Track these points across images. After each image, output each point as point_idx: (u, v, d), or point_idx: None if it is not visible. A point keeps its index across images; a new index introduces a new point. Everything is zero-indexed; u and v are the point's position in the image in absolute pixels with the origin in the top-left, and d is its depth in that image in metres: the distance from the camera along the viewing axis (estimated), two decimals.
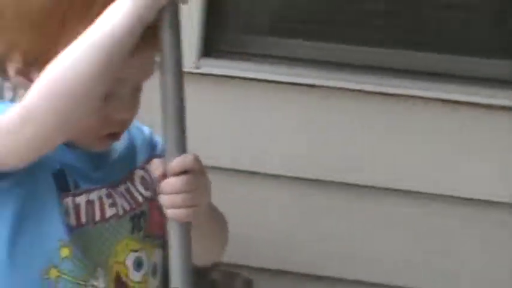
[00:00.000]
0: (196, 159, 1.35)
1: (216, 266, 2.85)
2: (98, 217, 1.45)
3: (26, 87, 1.34)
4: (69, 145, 1.40)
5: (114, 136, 1.46)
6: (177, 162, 1.31)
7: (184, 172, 1.33)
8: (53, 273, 1.43)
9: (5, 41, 1.38)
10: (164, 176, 1.33)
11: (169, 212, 1.33)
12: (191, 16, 3.04)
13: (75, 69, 1.24)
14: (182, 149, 1.33)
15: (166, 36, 1.31)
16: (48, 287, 1.41)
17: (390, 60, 3.19)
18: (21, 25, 1.37)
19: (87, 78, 1.24)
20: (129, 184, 1.50)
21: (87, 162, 1.48)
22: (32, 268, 1.42)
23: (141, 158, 1.54)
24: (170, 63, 1.32)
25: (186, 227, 1.37)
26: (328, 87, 3.09)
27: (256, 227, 3.20)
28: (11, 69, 1.37)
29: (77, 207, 1.43)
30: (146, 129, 1.59)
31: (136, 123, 1.51)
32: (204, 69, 3.19)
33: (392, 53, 3.27)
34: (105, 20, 1.26)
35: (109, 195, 1.47)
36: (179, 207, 1.34)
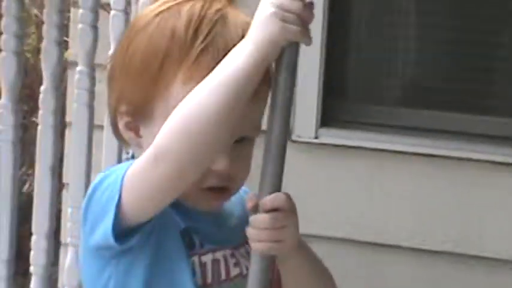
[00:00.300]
0: (288, 198, 1.35)
1: None
2: (223, 276, 1.45)
3: (137, 144, 1.39)
4: (181, 205, 1.40)
5: (219, 193, 1.44)
6: (269, 199, 1.31)
7: (274, 209, 1.32)
8: None
9: (114, 96, 1.42)
10: (255, 209, 1.33)
11: (254, 245, 1.33)
12: (310, 86, 3.05)
13: (202, 108, 1.25)
14: (277, 186, 1.32)
15: (281, 77, 1.29)
16: None
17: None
18: (125, 77, 1.41)
19: (213, 117, 1.25)
20: (247, 247, 1.45)
21: (209, 223, 1.47)
22: None
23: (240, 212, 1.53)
24: (281, 103, 1.30)
25: (268, 261, 1.36)
26: (447, 157, 3.05)
27: None
28: (121, 124, 1.39)
29: (203, 265, 1.43)
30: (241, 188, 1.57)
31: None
32: (322, 139, 3.14)
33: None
34: (230, 61, 1.27)
35: (232, 255, 1.46)
36: (264, 241, 1.33)
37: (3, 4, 1.92)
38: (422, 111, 3.28)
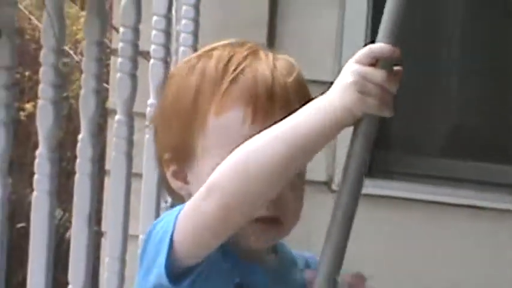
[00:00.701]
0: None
1: None
2: None
3: (187, 192, 1.37)
4: (238, 259, 1.38)
5: (270, 225, 1.40)
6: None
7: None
8: None
9: (158, 147, 1.41)
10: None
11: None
12: None
13: (266, 155, 1.23)
14: (341, 253, 1.28)
15: (356, 145, 1.24)
16: None
17: None
18: (162, 124, 1.41)
19: (274, 167, 1.22)
20: None
21: (264, 277, 1.44)
22: None
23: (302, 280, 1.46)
24: (353, 172, 1.24)
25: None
26: (494, 209, 2.99)
27: None
28: (169, 175, 1.38)
29: None
30: (307, 253, 1.52)
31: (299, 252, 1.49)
32: (368, 190, 3.11)
33: None
34: (304, 116, 1.23)
35: None
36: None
37: (41, 53, 1.92)
38: (466, 162, 3.27)
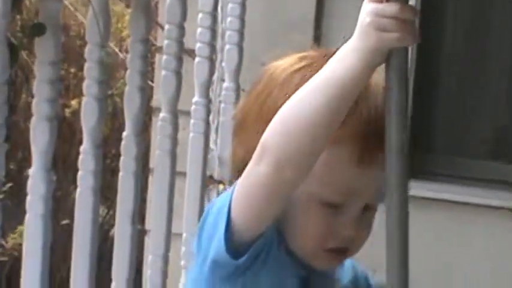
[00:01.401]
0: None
1: None
2: None
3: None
4: (300, 259, 1.37)
5: (338, 254, 1.38)
6: None
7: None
8: None
9: (244, 147, 1.39)
10: None
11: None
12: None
13: (303, 106, 1.23)
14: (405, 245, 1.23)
15: (391, 82, 1.20)
16: None
17: None
18: (259, 128, 1.34)
19: (313, 116, 1.22)
20: None
21: (326, 283, 1.44)
22: None
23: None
24: (395, 107, 1.21)
25: None
26: None
27: None
28: None
29: None
30: (365, 269, 1.52)
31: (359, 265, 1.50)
32: (412, 192, 3.11)
33: None
34: (334, 65, 1.22)
35: None
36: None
37: (86, 49, 1.89)
38: (507, 165, 3.22)
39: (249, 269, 1.33)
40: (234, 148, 1.47)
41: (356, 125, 1.29)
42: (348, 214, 1.34)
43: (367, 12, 1.22)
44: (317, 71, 1.29)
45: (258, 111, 1.40)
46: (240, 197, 1.30)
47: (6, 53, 1.70)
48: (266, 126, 1.32)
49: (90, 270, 1.95)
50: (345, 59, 1.22)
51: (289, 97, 1.30)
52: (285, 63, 1.43)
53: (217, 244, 1.31)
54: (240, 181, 1.30)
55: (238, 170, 1.39)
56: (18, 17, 2.15)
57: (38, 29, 1.84)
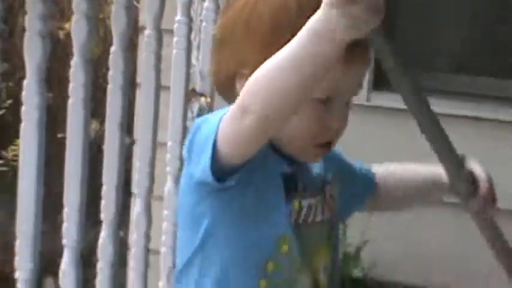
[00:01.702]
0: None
1: None
2: (310, 220, 1.49)
3: None
4: (286, 153, 1.44)
5: (327, 146, 1.48)
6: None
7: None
8: (270, 266, 1.45)
9: (234, 59, 1.44)
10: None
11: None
12: None
13: (279, 71, 1.23)
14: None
15: (385, 62, 1.29)
16: (265, 278, 1.44)
17: None
18: (252, 44, 1.41)
19: (287, 81, 1.23)
20: (326, 196, 1.53)
21: (309, 171, 1.52)
22: (250, 262, 1.45)
23: (330, 174, 1.56)
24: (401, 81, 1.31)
25: None
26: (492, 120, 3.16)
27: None
28: (240, 83, 1.41)
29: (301, 208, 1.48)
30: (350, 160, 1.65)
31: None
32: (374, 102, 3.13)
33: None
34: (298, 46, 1.22)
35: (321, 202, 1.51)
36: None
37: None
38: (469, 77, 3.30)
39: (235, 187, 1.39)
40: (218, 62, 1.49)
41: None
42: (335, 108, 1.42)
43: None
44: None
45: (245, 25, 1.43)
46: (226, 135, 1.33)
47: None
48: (256, 39, 1.40)
49: (82, 176, 2.00)
50: (314, 44, 1.21)
51: (273, 10, 1.38)
52: None
53: (202, 167, 1.36)
54: (224, 121, 1.33)
55: (229, 78, 1.45)
56: None
57: None
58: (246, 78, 1.34)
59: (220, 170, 1.36)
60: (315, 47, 1.20)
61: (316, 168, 1.55)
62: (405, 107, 3.10)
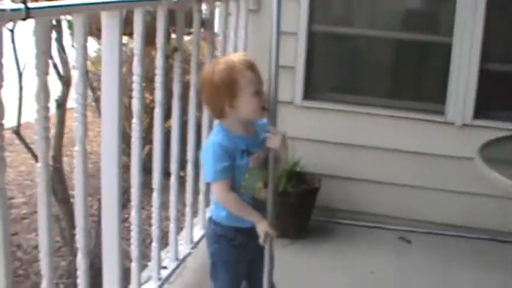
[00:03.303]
0: (284, 134, 2.43)
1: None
2: (255, 165, 2.52)
3: (234, 111, 2.44)
4: (243, 137, 2.46)
5: (264, 109, 2.41)
6: (277, 130, 2.44)
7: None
8: (244, 182, 2.54)
9: (225, 102, 2.46)
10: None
11: (270, 141, 2.43)
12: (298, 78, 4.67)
13: (232, 209, 2.50)
14: (275, 124, 2.42)
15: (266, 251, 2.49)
16: (242, 189, 2.54)
17: None
18: (216, 93, 2.45)
19: (234, 211, 2.49)
20: (263, 149, 2.53)
21: (255, 140, 2.52)
22: (237, 183, 2.52)
23: (262, 136, 2.55)
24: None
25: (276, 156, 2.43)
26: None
27: None
28: (227, 108, 2.47)
29: (253, 160, 2.51)
30: (263, 121, 2.53)
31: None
32: (305, 104, 4.65)
33: None
34: (249, 215, 2.47)
35: (260, 153, 2.55)
36: (273, 142, 2.45)
37: None
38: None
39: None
40: (215, 104, 2.50)
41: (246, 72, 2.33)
42: (262, 93, 2.35)
43: (261, 230, 2.41)
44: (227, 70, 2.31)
45: (212, 85, 2.41)
46: (215, 193, 2.44)
47: (164, 59, 2.93)
48: (220, 91, 2.38)
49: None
50: (251, 219, 2.41)
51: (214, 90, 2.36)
52: (213, 68, 2.46)
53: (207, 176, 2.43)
54: (211, 183, 2.42)
55: (221, 110, 2.45)
56: None
57: (175, 50, 3.12)
58: (230, 106, 2.39)
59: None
60: (247, 218, 2.46)
61: (257, 138, 2.47)
62: (318, 106, 4.61)
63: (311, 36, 4.60)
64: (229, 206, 2.47)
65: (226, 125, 2.53)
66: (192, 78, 3.57)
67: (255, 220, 2.47)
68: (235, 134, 2.49)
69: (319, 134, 4.75)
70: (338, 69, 4.87)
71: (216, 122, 2.63)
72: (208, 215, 2.85)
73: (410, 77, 4.72)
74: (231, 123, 2.50)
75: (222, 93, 2.43)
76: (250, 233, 2.55)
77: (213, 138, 2.47)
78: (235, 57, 2.49)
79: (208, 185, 3.43)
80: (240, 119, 2.48)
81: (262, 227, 2.45)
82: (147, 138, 3.28)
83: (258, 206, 2.56)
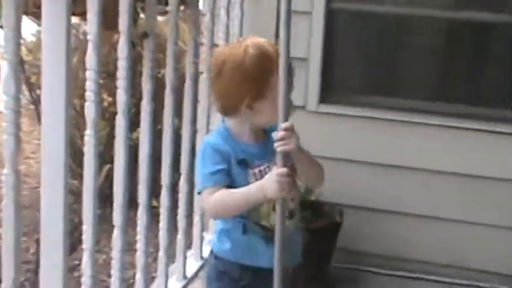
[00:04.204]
0: (292, 125, 2.48)
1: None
2: (260, 178, 2.66)
3: (251, 115, 2.62)
4: (242, 144, 2.63)
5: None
6: (283, 125, 2.48)
7: (286, 129, 2.48)
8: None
9: (233, 103, 2.64)
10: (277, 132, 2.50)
11: (279, 148, 2.50)
12: (314, 79, 4.86)
13: (227, 207, 2.63)
14: (286, 118, 2.49)
15: (278, 215, 2.54)
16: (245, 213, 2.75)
17: None
18: (246, 84, 2.57)
19: (232, 210, 2.63)
20: (272, 161, 2.66)
21: (257, 149, 2.68)
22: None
23: (271, 148, 2.66)
24: (278, 232, 2.59)
25: (288, 158, 2.54)
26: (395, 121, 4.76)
27: None
28: (243, 108, 2.62)
29: (255, 173, 2.67)
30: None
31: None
32: (322, 110, 4.83)
33: None
34: (248, 195, 2.57)
35: (268, 167, 2.69)
36: (283, 145, 2.50)
37: None
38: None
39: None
40: (232, 97, 2.64)
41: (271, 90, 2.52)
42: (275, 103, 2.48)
43: (275, 179, 2.47)
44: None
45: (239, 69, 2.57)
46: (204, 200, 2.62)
47: (130, 47, 3.01)
48: (248, 81, 2.54)
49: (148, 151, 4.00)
50: (256, 195, 2.50)
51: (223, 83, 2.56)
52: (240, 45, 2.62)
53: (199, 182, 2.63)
54: (203, 199, 2.64)
55: (236, 106, 2.62)
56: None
57: (145, 35, 3.24)
58: (247, 103, 2.58)
59: None
60: (253, 203, 2.57)
61: (271, 144, 2.55)
62: (338, 112, 4.96)
63: (330, 15, 4.70)
64: (222, 207, 2.60)
65: (231, 126, 2.70)
66: (168, 72, 3.59)
67: (259, 189, 2.54)
68: (237, 139, 2.68)
69: (340, 149, 4.86)
70: (366, 62, 4.96)
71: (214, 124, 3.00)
72: (208, 240, 3.15)
73: (465, 72, 4.81)
74: (237, 126, 2.68)
75: (246, 86, 2.56)
76: (260, 273, 2.68)
77: (206, 137, 2.74)
78: (269, 45, 2.61)
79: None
80: (252, 124, 2.66)
81: (273, 191, 2.53)
82: (106, 155, 3.47)
83: (267, 237, 2.69)
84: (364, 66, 5.02)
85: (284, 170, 2.49)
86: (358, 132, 4.86)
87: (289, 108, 2.50)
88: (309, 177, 2.76)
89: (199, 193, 2.70)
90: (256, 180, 2.66)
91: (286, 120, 2.52)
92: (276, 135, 2.51)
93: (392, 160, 4.87)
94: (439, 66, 4.97)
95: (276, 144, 2.52)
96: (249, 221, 2.75)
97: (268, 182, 2.52)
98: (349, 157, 4.87)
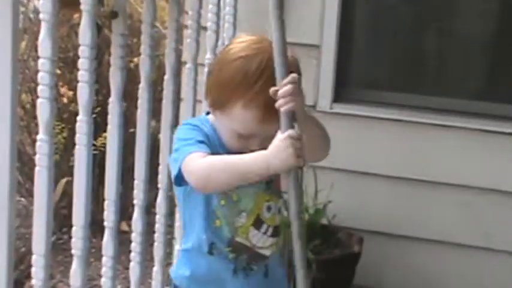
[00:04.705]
0: (297, 78, 2.43)
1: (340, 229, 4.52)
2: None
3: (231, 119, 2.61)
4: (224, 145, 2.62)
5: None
6: (288, 78, 2.42)
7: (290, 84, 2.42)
8: (217, 216, 2.73)
9: (207, 91, 2.69)
10: (277, 91, 2.44)
11: (282, 108, 2.42)
12: (327, 75, 4.78)
13: (221, 172, 2.53)
14: (286, 73, 2.44)
15: (291, 190, 2.42)
16: (217, 222, 2.73)
17: None
18: (217, 84, 2.65)
19: (224, 181, 2.54)
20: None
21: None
22: (207, 212, 2.73)
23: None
24: (294, 212, 2.43)
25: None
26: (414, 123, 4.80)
27: None
28: (238, 108, 2.59)
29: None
30: None
31: None
32: (335, 110, 4.85)
33: None
34: (249, 163, 2.46)
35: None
36: (287, 103, 2.42)
37: (142, 26, 3.33)
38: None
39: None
40: (209, 89, 2.69)
41: (264, 100, 2.45)
42: (256, 138, 2.58)
43: (287, 144, 2.38)
44: (250, 60, 2.53)
45: (217, 76, 2.62)
46: (186, 177, 2.53)
47: (95, 30, 2.92)
48: (220, 86, 2.58)
49: (146, 154, 3.63)
50: (259, 165, 2.43)
51: (234, 72, 2.55)
52: (234, 49, 2.63)
53: (173, 176, 2.56)
54: (182, 167, 2.54)
55: (216, 105, 2.63)
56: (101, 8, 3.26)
57: (114, 15, 3.14)
58: (209, 102, 2.62)
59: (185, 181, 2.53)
60: (253, 175, 2.49)
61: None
62: (356, 113, 4.95)
63: None
64: (216, 170, 2.52)
65: (216, 123, 2.70)
66: (143, 62, 3.54)
67: (264, 160, 2.46)
68: (219, 137, 2.67)
69: (358, 159, 4.87)
70: (392, 51, 5.00)
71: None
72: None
73: None
74: (222, 126, 2.67)
75: (242, 90, 2.58)
76: None
77: (187, 121, 2.72)
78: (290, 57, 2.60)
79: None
80: (231, 130, 2.66)
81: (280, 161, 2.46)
82: (63, 166, 3.36)
83: (238, 258, 2.75)
84: (389, 56, 5.07)
85: (294, 131, 2.43)
86: (380, 138, 4.89)
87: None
88: (313, 150, 2.65)
89: (176, 175, 2.62)
90: None
91: (285, 74, 2.47)
92: (280, 92, 2.47)
93: (423, 174, 4.81)
94: (483, 59, 4.92)
95: (278, 103, 2.46)
96: (218, 239, 2.73)
97: (276, 149, 2.44)
98: (371, 170, 4.90)
